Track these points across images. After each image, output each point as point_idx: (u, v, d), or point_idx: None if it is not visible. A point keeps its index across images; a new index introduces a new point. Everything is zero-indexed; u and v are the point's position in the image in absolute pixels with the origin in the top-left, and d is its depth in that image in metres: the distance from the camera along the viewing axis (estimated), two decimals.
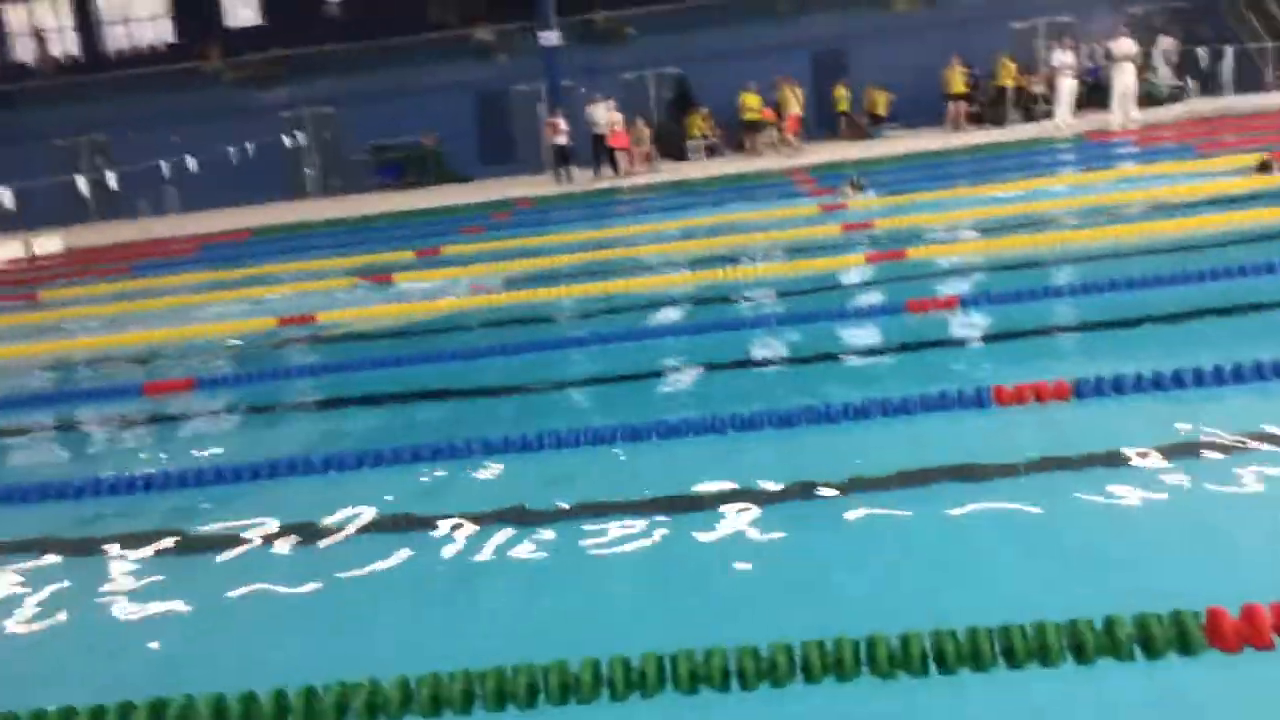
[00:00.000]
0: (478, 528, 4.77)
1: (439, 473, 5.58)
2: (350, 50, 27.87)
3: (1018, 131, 22.74)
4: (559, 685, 3.23)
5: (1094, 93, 24.03)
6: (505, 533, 4.68)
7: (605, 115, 23.39)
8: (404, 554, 4.58)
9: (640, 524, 4.61)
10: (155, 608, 4.36)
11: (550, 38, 24.15)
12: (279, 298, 12.30)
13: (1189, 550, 3.92)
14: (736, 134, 25.44)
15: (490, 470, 5.53)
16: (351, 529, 4.93)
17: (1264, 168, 12.42)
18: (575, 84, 26.16)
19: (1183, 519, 4.15)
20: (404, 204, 22.75)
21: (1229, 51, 22.82)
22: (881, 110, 25.88)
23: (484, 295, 10.73)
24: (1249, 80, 23.79)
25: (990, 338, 7.28)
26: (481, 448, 5.71)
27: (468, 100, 27.82)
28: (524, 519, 4.81)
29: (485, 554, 4.51)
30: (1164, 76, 25.15)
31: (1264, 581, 3.40)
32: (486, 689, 3.25)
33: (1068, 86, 21.63)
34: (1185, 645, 3.00)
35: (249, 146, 23.36)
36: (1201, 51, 23.25)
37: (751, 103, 24.51)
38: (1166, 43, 23.44)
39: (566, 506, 4.90)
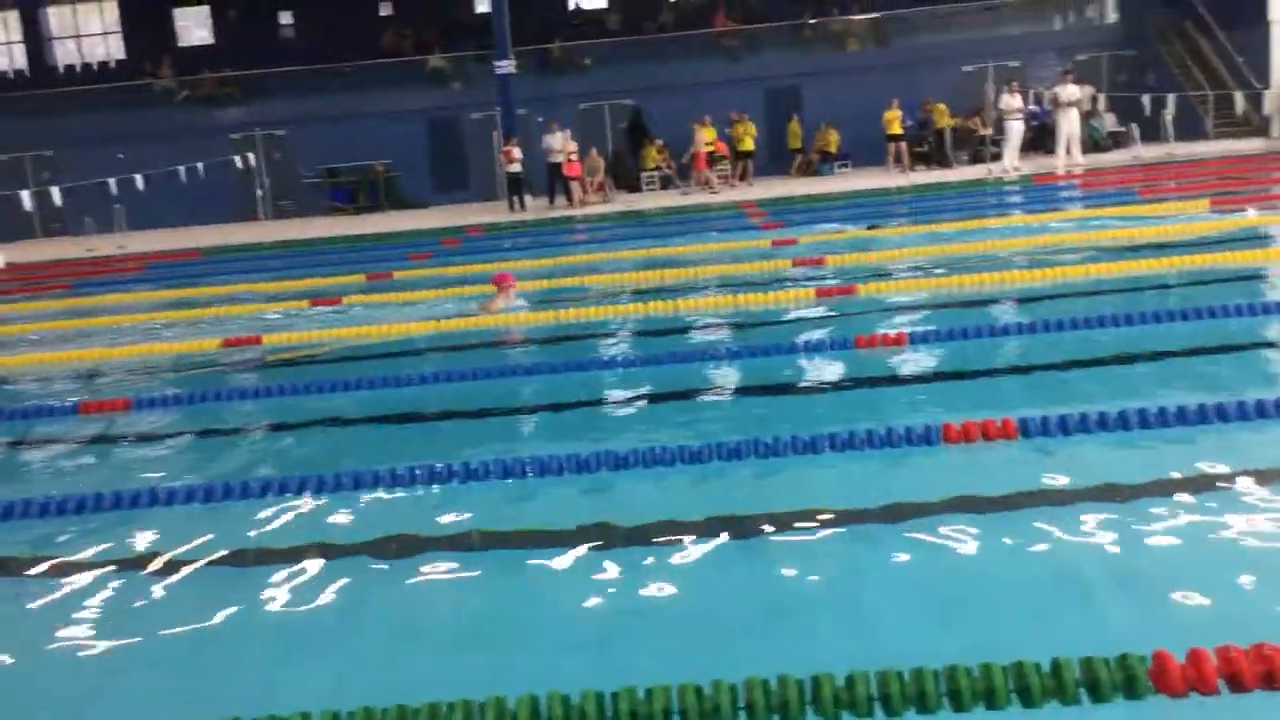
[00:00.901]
0: (410, 557, 4.67)
1: (381, 499, 5.47)
2: (303, 73, 27.71)
3: (965, 173, 23.09)
4: None
5: (1040, 136, 24.51)
6: (439, 563, 4.59)
7: (561, 144, 23.41)
8: (337, 583, 4.47)
9: (585, 556, 4.55)
10: (75, 633, 4.21)
11: (505, 66, 24.15)
12: (226, 319, 12.12)
13: (1135, 593, 3.92)
14: (691, 167, 25.55)
15: (430, 497, 5.43)
16: (288, 555, 4.81)
17: None
18: (530, 113, 26.17)
19: (1128, 561, 4.15)
20: (355, 228, 22.57)
21: (1171, 99, 23.34)
22: (833, 148, 26.14)
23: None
24: (1190, 128, 24.35)
25: (939, 375, 7.31)
26: (425, 474, 5.61)
27: (421, 126, 27.71)
28: (458, 547, 4.73)
29: (418, 585, 4.42)
30: (1107, 123, 25.71)
31: (1210, 626, 3.40)
32: None
33: (1015, 130, 21.99)
34: (1131, 689, 2.98)
35: (199, 166, 23.06)
36: (1145, 99, 23.74)
37: (706, 136, 24.67)
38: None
39: (506, 536, 4.82)
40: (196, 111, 28.12)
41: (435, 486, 5.54)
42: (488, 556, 4.66)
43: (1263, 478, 4.75)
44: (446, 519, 5.11)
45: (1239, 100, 24.35)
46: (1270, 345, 7.65)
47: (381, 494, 5.53)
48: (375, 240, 20.53)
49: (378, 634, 4.08)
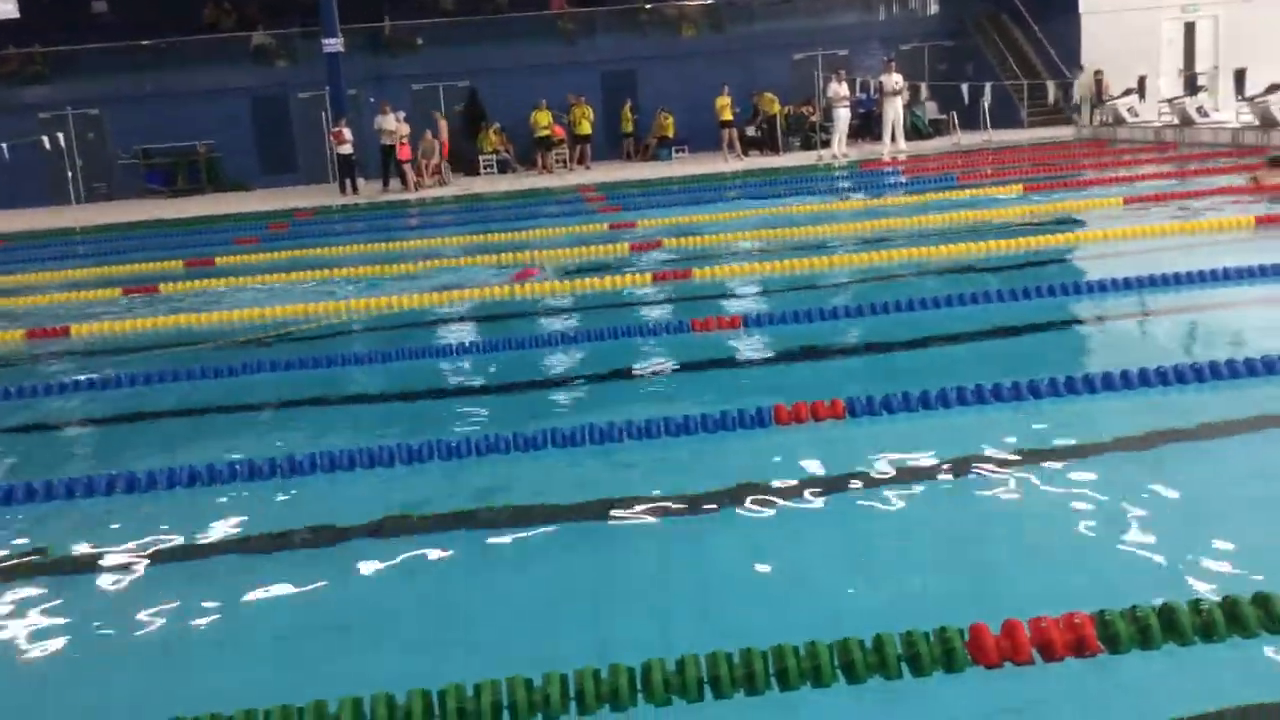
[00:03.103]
0: (250, 553, 4.49)
1: (207, 496, 5.23)
2: (118, 49, 26.31)
3: (796, 158, 23.62)
4: None
5: (867, 123, 25.28)
6: (278, 562, 4.42)
7: (394, 126, 22.90)
8: (172, 586, 4.25)
9: (421, 547, 4.45)
10: None
11: (333, 44, 23.43)
12: (31, 309, 11.44)
13: (953, 566, 4.04)
14: (529, 151, 25.37)
15: (257, 493, 5.22)
16: (106, 560, 4.55)
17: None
18: (362, 93, 25.50)
19: (946, 535, 4.29)
20: (176, 212, 21.61)
21: (988, 88, 24.33)
22: (670, 132, 26.33)
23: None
24: (1006, 116, 25.45)
25: (771, 358, 7.42)
26: (246, 470, 5.39)
27: (244, 105, 26.70)
28: (283, 545, 4.56)
29: (255, 587, 4.24)
30: (929, 111, 26.70)
31: (1024, 597, 3.53)
32: None
33: (842, 117, 22.60)
34: (950, 662, 3.06)
35: (3, 147, 21.67)
36: (964, 88, 24.68)
37: (543, 120, 24.56)
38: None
39: (341, 532, 4.67)
40: (2, 89, 26.42)
41: (259, 482, 5.33)
42: (313, 554, 4.50)
43: (1073, 452, 4.97)
44: (270, 517, 4.93)
45: (1051, 89, 25.63)
46: (1082, 323, 8.04)
47: (179, 490, 5.29)
48: (197, 224, 19.69)
49: (252, 641, 3.90)
